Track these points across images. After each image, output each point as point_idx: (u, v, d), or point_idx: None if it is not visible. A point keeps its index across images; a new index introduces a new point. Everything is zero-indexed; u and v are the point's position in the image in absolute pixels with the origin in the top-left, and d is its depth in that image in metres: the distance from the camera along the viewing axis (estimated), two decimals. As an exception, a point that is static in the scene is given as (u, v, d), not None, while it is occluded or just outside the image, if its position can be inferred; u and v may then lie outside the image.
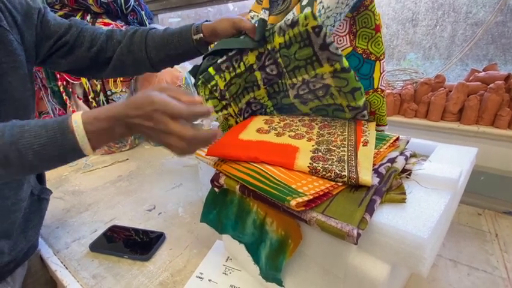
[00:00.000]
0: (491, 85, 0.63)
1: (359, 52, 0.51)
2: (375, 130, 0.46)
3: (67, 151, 0.35)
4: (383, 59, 0.50)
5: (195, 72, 0.54)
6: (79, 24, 0.55)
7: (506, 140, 0.62)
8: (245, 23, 0.50)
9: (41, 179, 0.59)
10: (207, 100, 0.53)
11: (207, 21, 0.55)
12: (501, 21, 0.70)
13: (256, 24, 0.49)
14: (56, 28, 0.52)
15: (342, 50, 0.50)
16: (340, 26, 0.50)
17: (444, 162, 0.41)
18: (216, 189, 0.45)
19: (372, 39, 0.49)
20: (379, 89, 0.51)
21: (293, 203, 0.30)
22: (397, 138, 0.43)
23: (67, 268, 0.55)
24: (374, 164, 0.37)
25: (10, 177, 0.36)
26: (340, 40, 0.51)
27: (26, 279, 0.57)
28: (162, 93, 0.36)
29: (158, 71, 0.61)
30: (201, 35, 0.53)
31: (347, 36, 0.51)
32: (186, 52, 0.56)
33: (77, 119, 0.35)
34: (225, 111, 0.54)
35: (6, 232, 0.49)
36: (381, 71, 0.50)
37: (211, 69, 0.50)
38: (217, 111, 0.54)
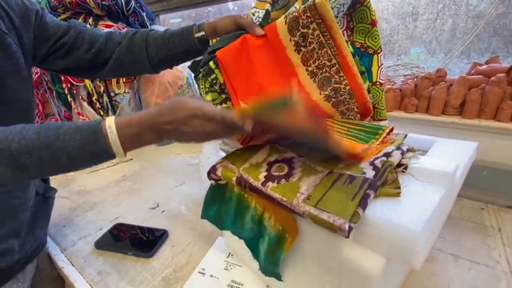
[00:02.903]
0: (492, 78, 0.62)
1: (357, 46, 0.51)
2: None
3: (99, 154, 0.36)
4: (380, 53, 0.50)
5: (194, 67, 0.55)
6: (78, 26, 0.56)
7: (509, 134, 0.61)
8: (244, 20, 0.51)
9: (44, 178, 0.60)
10: (206, 93, 0.54)
11: (208, 21, 0.56)
12: (502, 13, 0.69)
13: (262, 16, 0.51)
14: (55, 30, 0.52)
15: None
16: (338, 22, 0.50)
17: (442, 157, 0.41)
18: (213, 182, 0.45)
19: (369, 34, 0.49)
20: (378, 83, 0.51)
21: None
22: (391, 130, 0.43)
23: (73, 265, 0.57)
24: (366, 159, 0.37)
25: (40, 176, 0.38)
26: None
27: (35, 276, 0.59)
28: (194, 99, 0.38)
29: (157, 72, 0.61)
30: (203, 32, 0.54)
31: (345, 32, 0.52)
32: (187, 51, 0.56)
33: (111, 125, 0.36)
34: (224, 105, 0.55)
35: (15, 231, 0.51)
36: (379, 65, 0.51)
37: (211, 63, 0.52)
38: (216, 105, 0.55)
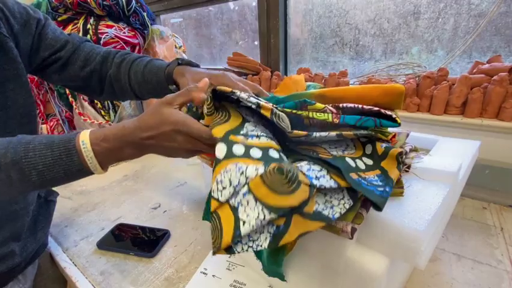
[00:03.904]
0: (494, 77, 0.62)
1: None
2: None
3: (73, 171, 0.34)
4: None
5: None
6: (77, 41, 0.55)
7: (511, 133, 0.61)
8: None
9: None
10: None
11: (180, 61, 0.52)
12: (504, 12, 0.69)
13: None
14: (53, 42, 0.52)
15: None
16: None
17: (445, 156, 0.41)
18: None
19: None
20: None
21: None
22: (394, 136, 0.42)
23: (75, 265, 0.57)
24: None
25: (16, 194, 0.35)
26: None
27: (37, 277, 0.59)
28: (176, 111, 0.35)
29: (144, 99, 0.61)
30: (175, 86, 0.52)
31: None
32: (166, 94, 0.54)
33: (84, 139, 0.34)
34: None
35: (15, 235, 0.51)
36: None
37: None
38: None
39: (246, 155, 0.30)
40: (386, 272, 0.30)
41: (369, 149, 0.36)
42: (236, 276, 0.50)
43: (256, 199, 0.27)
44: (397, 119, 0.34)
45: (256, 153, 0.31)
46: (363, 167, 0.33)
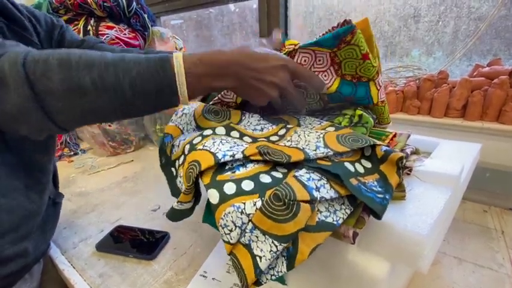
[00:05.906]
0: (495, 80, 0.62)
1: (348, 79, 0.43)
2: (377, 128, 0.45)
3: (163, 86, 0.32)
4: (377, 78, 0.43)
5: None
6: (93, 41, 0.58)
7: (512, 136, 0.61)
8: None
9: (55, 184, 0.62)
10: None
11: None
12: (505, 15, 0.69)
13: None
14: (69, 43, 0.56)
15: (329, 85, 0.43)
16: (319, 61, 0.43)
17: (446, 159, 0.41)
18: None
19: (360, 66, 0.41)
20: (379, 102, 0.46)
21: None
22: (394, 135, 0.42)
23: (74, 267, 0.56)
24: None
25: (102, 106, 0.32)
26: (324, 75, 0.44)
27: (42, 276, 0.59)
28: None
29: None
30: None
31: (330, 68, 0.43)
32: None
33: (178, 56, 0.33)
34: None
35: (28, 234, 0.51)
36: (378, 87, 0.44)
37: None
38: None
39: (239, 191, 0.30)
40: (388, 276, 0.30)
41: (368, 150, 0.36)
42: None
43: (263, 233, 0.28)
44: (352, 22, 0.37)
45: (247, 185, 0.30)
46: (362, 170, 0.33)
